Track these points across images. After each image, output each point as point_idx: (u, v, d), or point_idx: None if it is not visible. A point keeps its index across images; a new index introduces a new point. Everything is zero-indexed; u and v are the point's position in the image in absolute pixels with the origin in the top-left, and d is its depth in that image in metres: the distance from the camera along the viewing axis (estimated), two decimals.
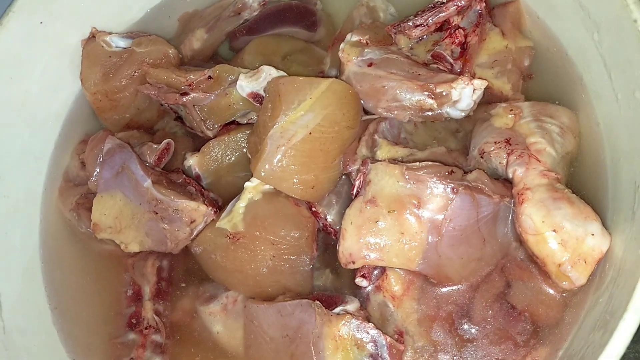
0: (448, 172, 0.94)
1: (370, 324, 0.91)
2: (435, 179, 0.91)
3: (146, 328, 1.06)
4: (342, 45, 1.09)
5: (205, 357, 1.04)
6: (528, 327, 0.94)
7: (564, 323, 0.91)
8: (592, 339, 0.78)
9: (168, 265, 1.11)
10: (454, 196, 0.91)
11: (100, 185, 1.10)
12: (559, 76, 1.05)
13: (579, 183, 0.99)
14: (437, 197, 0.91)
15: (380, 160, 0.98)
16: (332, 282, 1.05)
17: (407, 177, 0.93)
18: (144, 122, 1.22)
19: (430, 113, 1.03)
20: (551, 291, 0.93)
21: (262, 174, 1.00)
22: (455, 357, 0.93)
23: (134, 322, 1.07)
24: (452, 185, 0.91)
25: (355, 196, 0.97)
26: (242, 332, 1.02)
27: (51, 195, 1.20)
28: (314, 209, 1.05)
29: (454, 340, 0.95)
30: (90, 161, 1.13)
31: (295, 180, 1.00)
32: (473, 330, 0.95)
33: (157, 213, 1.05)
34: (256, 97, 1.08)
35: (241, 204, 1.04)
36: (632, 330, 0.69)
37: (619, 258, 0.83)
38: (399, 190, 0.93)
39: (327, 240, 1.06)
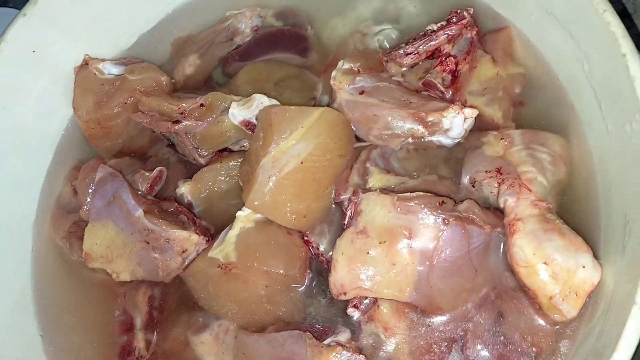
0: (439, 203, 0.93)
1: (361, 355, 0.91)
2: (426, 209, 0.91)
3: (137, 358, 1.05)
4: (333, 74, 1.09)
5: None
6: (521, 359, 0.93)
7: (557, 355, 0.90)
8: None
9: (160, 294, 1.11)
10: (445, 227, 0.90)
11: (92, 215, 1.10)
12: (551, 103, 1.05)
13: (571, 212, 0.98)
14: (428, 228, 0.91)
15: (372, 190, 0.98)
16: (325, 310, 1.04)
17: (398, 207, 0.92)
18: (136, 149, 1.22)
19: (421, 141, 1.03)
20: (544, 323, 0.92)
21: (254, 203, 1.00)
22: None
23: (126, 352, 1.07)
24: (443, 216, 0.91)
25: (347, 226, 0.96)
26: None
27: (43, 222, 1.20)
28: (306, 237, 1.04)
29: None
30: (82, 190, 1.13)
31: (287, 209, 1.00)
32: None
33: (148, 243, 1.05)
34: (248, 125, 1.08)
35: (233, 233, 1.03)
36: None
37: (610, 291, 0.83)
38: (390, 220, 0.93)
39: (319, 269, 1.06)
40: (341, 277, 0.94)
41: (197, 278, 1.05)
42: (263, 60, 1.23)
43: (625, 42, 0.80)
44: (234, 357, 1.01)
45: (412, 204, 0.92)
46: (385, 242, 0.92)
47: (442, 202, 0.94)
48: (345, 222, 0.97)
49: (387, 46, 1.18)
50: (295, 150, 0.99)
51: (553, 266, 0.88)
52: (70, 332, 1.12)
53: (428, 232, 0.91)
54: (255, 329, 1.00)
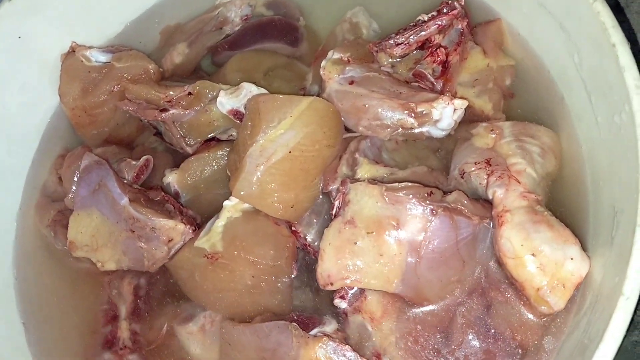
0: (427, 194, 0.93)
1: (347, 346, 0.90)
2: (414, 200, 0.91)
3: (122, 348, 1.04)
4: (323, 63, 1.08)
5: None
6: (507, 351, 0.93)
7: (544, 347, 0.90)
8: None
9: (145, 284, 1.10)
10: (433, 218, 0.90)
11: (77, 203, 1.09)
12: (541, 96, 1.04)
13: (560, 204, 0.98)
14: (416, 218, 0.90)
15: (360, 180, 0.97)
16: (312, 301, 1.04)
17: (386, 198, 0.92)
18: (123, 137, 1.21)
19: (411, 132, 1.02)
20: (530, 315, 0.92)
21: (241, 193, 0.99)
22: None
23: (110, 341, 1.06)
24: (432, 206, 0.90)
25: (335, 216, 0.95)
26: (218, 353, 1.01)
27: (27, 211, 1.18)
28: (293, 228, 1.03)
29: None
30: (67, 178, 1.12)
31: (274, 199, 0.99)
32: (452, 353, 0.94)
33: (134, 232, 1.04)
34: (236, 114, 1.07)
35: (220, 223, 1.02)
36: (610, 358, 0.68)
37: (597, 283, 0.83)
38: (378, 211, 0.92)
39: (306, 260, 1.05)
40: (328, 268, 0.93)
41: (183, 268, 1.04)
42: (252, 49, 1.22)
43: (615, 32, 0.79)
44: (219, 347, 1.00)
45: (401, 195, 0.91)
46: (373, 232, 0.91)
47: (431, 192, 0.93)
48: (333, 212, 0.96)
49: (377, 34, 1.17)
50: (284, 139, 0.98)
51: (541, 258, 0.87)
52: (53, 322, 1.11)
53: (416, 222, 0.90)
54: (241, 320, 0.99)
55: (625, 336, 1.10)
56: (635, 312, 1.11)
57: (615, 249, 0.78)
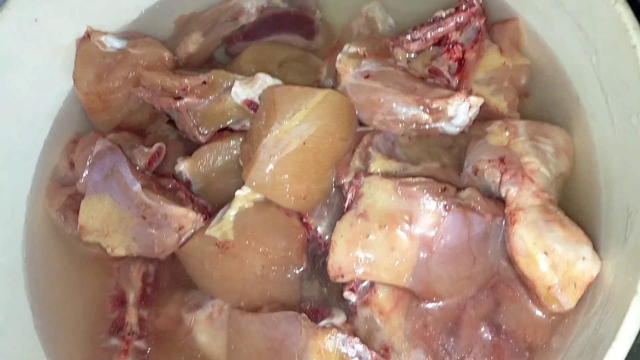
0: (441, 189, 0.93)
1: (356, 338, 0.90)
2: (428, 195, 0.91)
3: (129, 334, 1.04)
4: (339, 56, 1.08)
5: None
6: (516, 349, 0.93)
7: (552, 346, 0.90)
8: None
9: (154, 271, 1.10)
10: (446, 213, 0.90)
11: (89, 188, 1.09)
12: (556, 96, 1.04)
13: (572, 205, 0.98)
14: (429, 213, 0.90)
15: (373, 174, 0.97)
16: (321, 294, 1.04)
17: (400, 192, 0.92)
18: (135, 124, 1.21)
19: (425, 128, 1.03)
20: (540, 314, 0.92)
21: (254, 183, 0.99)
22: None
23: (117, 327, 1.06)
24: (445, 202, 0.90)
25: (347, 209, 0.96)
26: (225, 341, 1.01)
27: (38, 195, 1.18)
28: (304, 220, 1.03)
29: (440, 358, 0.94)
30: (80, 163, 1.12)
31: (287, 190, 0.99)
32: (460, 350, 0.94)
33: (145, 218, 1.04)
34: (251, 104, 1.07)
35: (232, 212, 1.02)
36: (621, 358, 0.68)
37: (609, 283, 0.83)
38: (391, 205, 0.92)
39: (317, 252, 1.05)
40: (339, 260, 0.93)
41: (193, 256, 1.04)
42: (267, 41, 1.22)
43: (636, 34, 0.79)
44: (227, 336, 1.00)
45: (414, 189, 0.92)
46: (385, 226, 0.91)
47: (444, 188, 0.93)
48: (346, 205, 0.96)
49: (393, 30, 1.17)
50: (298, 130, 0.98)
51: (553, 257, 0.87)
52: (61, 306, 1.11)
53: (429, 217, 0.90)
54: (250, 309, 0.99)
55: None
56: None
57: (629, 249, 0.79)
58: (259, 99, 1.06)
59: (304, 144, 0.98)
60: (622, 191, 0.87)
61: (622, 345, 0.68)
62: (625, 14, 0.81)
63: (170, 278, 1.09)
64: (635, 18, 0.81)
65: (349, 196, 0.96)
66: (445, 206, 0.90)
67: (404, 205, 0.91)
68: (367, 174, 0.98)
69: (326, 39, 1.23)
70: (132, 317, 1.06)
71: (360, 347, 0.89)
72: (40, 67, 1.18)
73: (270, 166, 0.98)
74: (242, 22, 1.25)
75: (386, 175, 0.97)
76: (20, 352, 1.04)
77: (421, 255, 0.91)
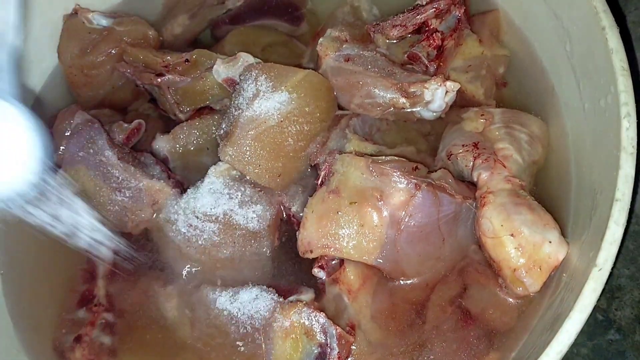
0: (413, 168, 0.93)
1: (321, 313, 0.90)
2: (399, 173, 0.91)
3: (96, 305, 1.04)
4: (321, 40, 1.09)
5: (156, 339, 1.02)
6: (481, 331, 0.93)
7: (517, 329, 0.90)
8: (539, 341, 0.77)
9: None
10: (416, 192, 0.90)
11: (66, 160, 1.09)
12: (533, 85, 1.06)
13: (543, 192, 0.99)
14: (400, 191, 0.91)
15: (347, 152, 0.98)
16: (291, 274, 1.04)
17: (371, 169, 0.92)
18: (117, 102, 1.21)
19: (402, 112, 1.04)
20: (506, 297, 0.92)
21: (229, 157, 0.99)
22: (406, 355, 0.92)
23: (86, 300, 1.05)
24: (415, 181, 0.91)
25: (320, 185, 0.96)
26: (194, 316, 1.00)
27: None
28: (279, 197, 1.04)
29: (406, 338, 0.94)
30: (58, 135, 1.12)
31: (262, 166, 1.00)
32: (426, 330, 0.94)
33: (119, 191, 1.04)
34: (232, 83, 1.08)
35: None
36: (577, 329, 0.68)
37: (573, 265, 0.83)
38: (362, 182, 0.93)
39: (289, 233, 1.05)
40: (309, 235, 0.93)
41: (166, 231, 1.04)
42: (252, 25, 1.24)
43: (605, 16, 0.81)
44: (197, 311, 1.00)
45: (386, 167, 0.92)
46: (355, 203, 0.92)
47: (416, 167, 0.94)
48: (319, 181, 0.97)
49: (377, 19, 1.18)
50: (276, 108, 0.99)
51: (519, 239, 0.87)
52: (31, 276, 1.10)
53: (399, 195, 0.91)
54: (219, 285, 0.99)
55: (600, 335, 1.12)
56: (612, 310, 1.12)
57: (593, 228, 0.79)
58: (240, 77, 1.06)
59: (282, 121, 0.99)
60: (590, 173, 0.87)
61: (579, 314, 0.68)
62: None
63: (142, 253, 1.09)
64: (606, 2, 0.83)
65: (322, 173, 0.97)
66: (415, 184, 0.90)
67: (376, 182, 0.92)
68: (341, 152, 0.98)
69: (311, 26, 1.25)
70: (100, 289, 1.05)
71: (324, 321, 0.89)
72: (27, 41, 1.19)
73: (247, 141, 0.99)
74: (229, 6, 1.26)
75: (359, 153, 0.97)
76: None
77: (390, 232, 0.91)
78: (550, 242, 0.87)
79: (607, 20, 0.80)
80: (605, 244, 0.70)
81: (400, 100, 1.02)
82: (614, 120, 0.77)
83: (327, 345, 0.88)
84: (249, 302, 0.94)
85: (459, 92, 1.02)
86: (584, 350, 1.11)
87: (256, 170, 1.00)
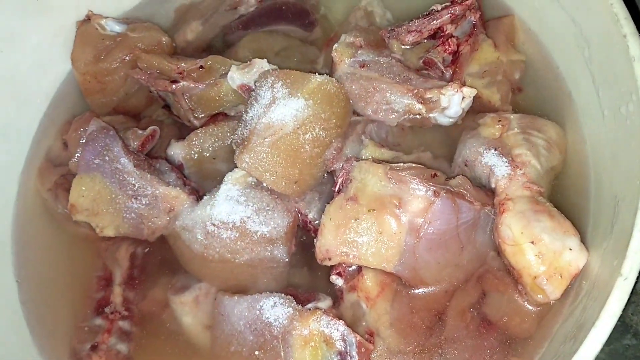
0: (431, 175, 0.93)
1: (340, 321, 0.89)
2: (417, 180, 0.91)
3: (113, 313, 1.03)
4: (335, 46, 1.09)
5: (172, 348, 1.02)
6: (500, 339, 0.93)
7: (537, 336, 0.90)
8: (562, 350, 0.77)
9: (142, 253, 1.09)
10: (435, 199, 0.90)
11: (81, 167, 1.08)
12: (549, 91, 1.06)
13: (562, 198, 0.98)
14: (419, 199, 0.91)
15: (365, 159, 0.98)
16: (308, 281, 1.04)
17: (389, 176, 0.92)
18: (130, 108, 1.21)
19: (418, 117, 1.03)
20: (526, 304, 0.92)
21: (246, 164, 0.99)
22: None
23: (102, 307, 1.05)
24: (434, 188, 0.91)
25: (337, 193, 0.96)
26: (210, 324, 1.00)
27: (30, 174, 1.18)
28: (295, 204, 1.03)
29: (425, 346, 0.94)
30: (73, 142, 1.12)
31: (278, 173, 1.00)
32: (445, 338, 0.94)
33: (136, 198, 1.04)
34: (247, 89, 1.07)
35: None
36: (603, 339, 0.68)
37: (594, 273, 0.83)
38: (381, 189, 0.92)
39: (306, 240, 1.05)
40: (327, 242, 0.93)
41: (182, 238, 1.04)
42: (265, 30, 1.23)
43: (627, 24, 0.81)
44: (212, 318, 1.00)
45: (404, 174, 0.92)
46: (374, 210, 0.92)
47: (434, 174, 0.94)
48: (336, 188, 0.96)
49: (390, 24, 1.18)
50: (293, 115, 0.99)
51: (540, 246, 0.87)
52: (47, 284, 1.10)
53: (418, 203, 0.91)
54: (236, 293, 0.99)
55: (617, 340, 1.11)
56: (628, 315, 1.12)
57: (615, 236, 0.79)
58: (255, 84, 1.06)
59: (298, 128, 0.99)
60: (611, 181, 0.87)
61: (605, 324, 0.67)
62: (617, 4, 0.82)
63: (158, 260, 1.09)
64: (627, 10, 0.82)
65: (340, 180, 0.97)
66: (434, 192, 0.90)
67: (394, 189, 0.92)
68: (358, 159, 0.98)
69: (324, 31, 1.25)
70: (117, 297, 1.05)
71: (344, 329, 0.89)
72: (41, 47, 1.19)
73: (264, 148, 0.98)
74: (241, 11, 1.26)
75: (377, 160, 0.97)
76: (5, 326, 1.03)
77: (409, 240, 0.91)
78: (570, 249, 0.87)
79: (628, 27, 0.80)
80: (630, 253, 0.70)
81: (417, 106, 1.02)
82: (635, 127, 0.77)
83: (346, 353, 0.88)
84: (267, 310, 0.93)
85: (475, 97, 1.02)
86: (601, 355, 1.09)
87: (273, 177, 1.00)
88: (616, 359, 1.10)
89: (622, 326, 1.11)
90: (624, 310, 1.12)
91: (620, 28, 0.81)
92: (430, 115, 1.02)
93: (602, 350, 1.09)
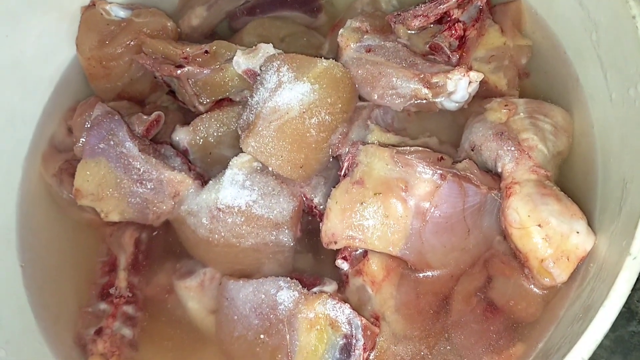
0: (438, 159, 0.93)
1: (346, 304, 0.89)
2: (424, 164, 0.91)
3: (117, 298, 1.03)
4: (341, 31, 1.09)
5: (176, 332, 1.02)
6: (506, 323, 0.93)
7: (544, 319, 0.90)
8: (570, 332, 0.77)
9: (147, 238, 1.09)
10: (442, 182, 0.90)
11: (86, 151, 1.08)
12: (556, 76, 1.05)
13: (569, 183, 0.98)
14: (425, 182, 0.90)
15: (371, 143, 0.97)
16: (313, 266, 1.04)
17: (396, 160, 0.92)
18: (135, 94, 1.21)
19: (424, 102, 1.03)
20: (532, 288, 0.92)
21: (251, 148, 0.99)
22: (431, 347, 0.91)
23: (107, 291, 1.05)
24: (441, 171, 0.90)
25: (343, 177, 0.96)
26: (215, 308, 1.00)
27: (35, 159, 1.18)
28: (300, 189, 1.03)
29: (430, 330, 0.93)
30: (78, 127, 1.12)
31: (284, 157, 0.99)
32: (451, 322, 0.93)
33: (141, 183, 1.04)
34: (252, 74, 1.07)
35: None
36: (611, 319, 0.67)
37: (602, 255, 0.82)
38: (387, 173, 0.92)
39: (311, 225, 1.05)
40: (333, 226, 0.93)
41: (187, 223, 1.03)
42: (270, 16, 1.23)
43: (635, 5, 0.80)
44: (217, 303, 1.00)
45: (411, 158, 0.92)
46: (380, 193, 0.91)
47: (441, 157, 0.93)
48: (342, 172, 0.96)
49: (396, 10, 1.17)
50: (299, 99, 0.98)
51: (547, 229, 0.87)
52: (52, 268, 1.10)
53: (424, 186, 0.90)
54: (241, 277, 0.99)
55: (623, 326, 1.11)
56: (634, 302, 1.12)
57: (623, 217, 0.79)
58: (260, 69, 1.06)
59: (304, 112, 0.98)
60: (619, 163, 0.87)
61: (613, 304, 0.67)
62: None
63: (163, 245, 1.09)
64: None
65: (346, 164, 0.96)
66: (441, 175, 0.90)
67: (400, 173, 0.91)
68: (364, 143, 0.98)
69: (329, 17, 1.24)
70: (121, 281, 1.05)
71: (350, 312, 0.88)
72: (45, 32, 1.19)
73: (269, 132, 0.98)
74: None
75: (383, 144, 0.97)
76: (9, 310, 1.03)
77: (415, 224, 0.90)
78: (577, 232, 0.87)
79: (637, 9, 0.79)
80: (639, 233, 0.69)
81: (423, 91, 1.01)
82: None
83: (352, 336, 0.87)
84: (273, 294, 0.93)
85: (482, 82, 1.01)
86: (606, 341, 1.10)
87: (278, 162, 0.99)
88: (622, 346, 1.10)
89: (628, 313, 1.11)
90: (630, 297, 1.12)
91: (629, 9, 0.80)
92: (437, 100, 1.02)
93: (607, 336, 1.09)
